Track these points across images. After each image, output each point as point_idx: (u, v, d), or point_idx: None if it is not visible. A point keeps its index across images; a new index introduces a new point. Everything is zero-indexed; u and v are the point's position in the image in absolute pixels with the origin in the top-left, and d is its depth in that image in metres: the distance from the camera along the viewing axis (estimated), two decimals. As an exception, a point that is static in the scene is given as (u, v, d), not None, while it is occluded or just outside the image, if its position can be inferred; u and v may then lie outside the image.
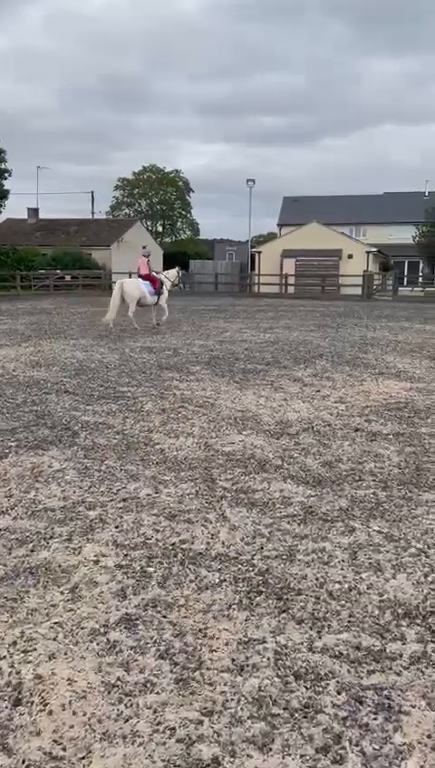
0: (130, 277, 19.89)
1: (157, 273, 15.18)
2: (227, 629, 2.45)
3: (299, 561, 3.06)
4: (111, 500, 3.86)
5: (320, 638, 2.41)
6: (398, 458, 4.73)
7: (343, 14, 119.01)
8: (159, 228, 62.56)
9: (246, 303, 25.13)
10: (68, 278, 31.65)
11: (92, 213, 48.01)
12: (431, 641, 2.39)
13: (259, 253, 36.30)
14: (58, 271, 31.97)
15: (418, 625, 2.49)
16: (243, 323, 15.93)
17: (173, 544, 3.24)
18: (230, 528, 3.46)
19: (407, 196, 50.93)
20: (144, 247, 15.79)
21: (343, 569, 2.99)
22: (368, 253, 35.65)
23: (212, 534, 3.37)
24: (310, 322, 16.32)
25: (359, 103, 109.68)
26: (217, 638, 2.39)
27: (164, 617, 2.55)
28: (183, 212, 62.86)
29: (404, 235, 44.98)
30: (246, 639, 2.38)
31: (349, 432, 5.50)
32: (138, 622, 2.51)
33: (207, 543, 3.25)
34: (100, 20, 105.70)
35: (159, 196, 61.21)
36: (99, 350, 10.58)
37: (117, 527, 3.45)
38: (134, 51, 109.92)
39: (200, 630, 2.44)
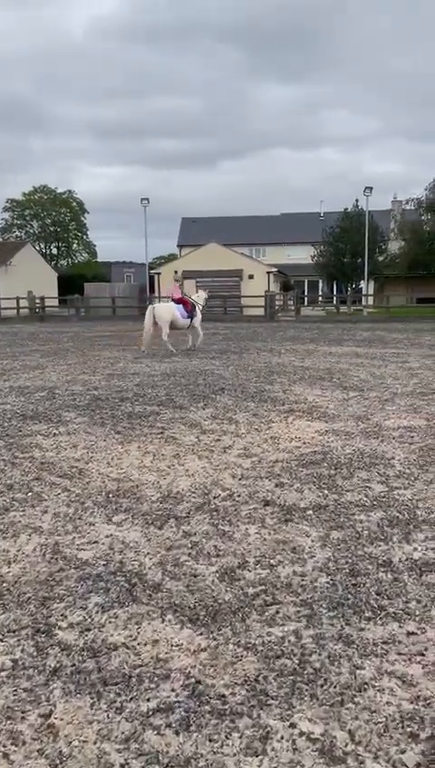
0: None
1: (189, 296, 14.98)
2: None
3: None
4: None
5: None
6: (324, 554, 3.40)
7: (236, 39, 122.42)
8: (54, 251, 59.82)
9: (145, 328, 23.63)
10: None
11: (-21, 235, 44.82)
12: None
13: (158, 274, 35.06)
14: None
15: None
16: (139, 352, 14.44)
17: None
18: (57, 762, 1.94)
19: (303, 216, 51.92)
20: (176, 272, 16.57)
21: None
22: (269, 273, 35.41)
23: (15, 788, 1.84)
24: (212, 347, 15.10)
25: (254, 127, 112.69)
26: None
27: None
28: (79, 233, 60.54)
29: (302, 254, 45.50)
30: None
31: (256, 508, 4.14)
32: None
33: None
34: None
35: (51, 218, 58.58)
36: None
37: None
38: (22, 72, 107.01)
39: None
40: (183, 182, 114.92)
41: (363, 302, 34.00)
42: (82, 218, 59.62)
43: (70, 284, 41.77)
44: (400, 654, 2.48)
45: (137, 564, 3.31)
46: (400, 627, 2.67)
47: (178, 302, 14.41)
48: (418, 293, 35.84)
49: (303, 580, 3.11)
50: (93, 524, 3.89)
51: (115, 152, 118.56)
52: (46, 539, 3.65)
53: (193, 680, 2.32)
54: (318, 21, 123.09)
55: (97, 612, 2.83)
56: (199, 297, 15.37)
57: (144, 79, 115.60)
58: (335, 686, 2.27)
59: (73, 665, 2.44)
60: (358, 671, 2.37)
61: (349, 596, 2.93)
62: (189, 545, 3.54)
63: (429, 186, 36.28)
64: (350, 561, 3.31)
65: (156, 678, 2.34)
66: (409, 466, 5.00)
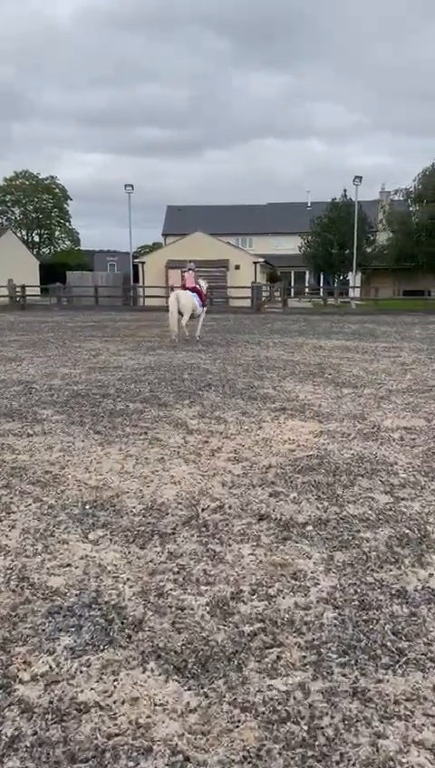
0: None
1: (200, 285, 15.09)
2: None
3: None
4: None
5: None
6: (329, 581, 2.99)
7: (223, 28, 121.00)
8: (36, 238, 58.58)
9: (129, 318, 23.13)
10: None
11: (-42, 221, 43.67)
12: None
13: (143, 263, 34.39)
14: None
15: None
16: (123, 343, 13.95)
17: None
18: None
19: (291, 206, 51.40)
20: (190, 262, 16.21)
21: None
22: (256, 263, 34.93)
23: None
24: (197, 340, 14.62)
25: (241, 117, 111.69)
26: None
27: None
28: (61, 221, 59.33)
29: (289, 245, 45.01)
30: None
31: (250, 522, 3.72)
32: None
33: None
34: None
35: (33, 204, 57.28)
36: None
37: None
38: (7, 58, 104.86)
39: None
40: (168, 171, 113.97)
41: (351, 294, 33.68)
42: (65, 205, 58.48)
43: (52, 273, 40.94)
44: (427, 716, 2.08)
45: (115, 594, 2.88)
46: (424, 677, 2.28)
47: (191, 291, 14.34)
48: (405, 286, 35.62)
49: (306, 614, 2.70)
50: (67, 543, 3.45)
51: (100, 140, 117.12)
52: (12, 561, 3.21)
53: (181, 756, 1.90)
54: (306, 11, 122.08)
55: (67, 659, 2.39)
56: (202, 287, 15.30)
57: (130, 67, 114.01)
58: (355, 764, 1.87)
59: (35, 733, 2.01)
60: (380, 741, 1.96)
61: (361, 636, 2.53)
62: (176, 569, 3.11)
63: (418, 177, 35.98)
64: (359, 590, 2.91)
65: (135, 753, 1.92)
66: (413, 473, 4.62)
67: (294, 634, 2.55)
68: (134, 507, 3.97)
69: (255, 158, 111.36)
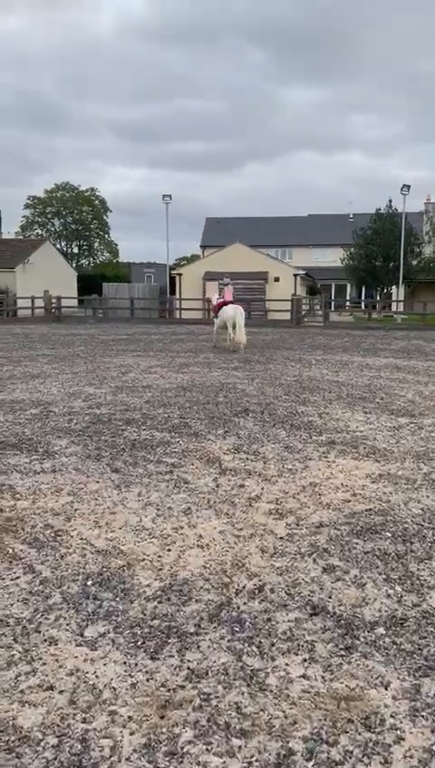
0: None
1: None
2: None
3: None
4: None
5: None
6: (417, 737, 2.04)
7: (262, 41, 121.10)
8: (75, 249, 58.85)
9: (164, 332, 22.45)
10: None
11: (-1, 233, 44.11)
12: None
13: (180, 275, 33.80)
14: None
15: None
16: (155, 359, 13.19)
17: None
18: None
19: (332, 218, 50.32)
20: (226, 276, 16.75)
21: None
22: (295, 276, 33.97)
23: None
24: (233, 355, 13.77)
25: (280, 130, 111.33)
26: None
27: None
28: (100, 232, 59.48)
29: (330, 257, 43.91)
30: None
31: (299, 618, 2.79)
32: None
33: None
34: (13, 39, 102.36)
35: (73, 216, 57.61)
36: None
37: None
38: (50, 72, 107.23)
39: None
40: (207, 185, 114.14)
41: (394, 308, 32.33)
42: (105, 217, 58.70)
43: (91, 284, 40.80)
44: None
45: (108, 747, 1.99)
46: None
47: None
48: (452, 300, 34.03)
49: (393, 809, 1.76)
50: (55, 644, 2.59)
51: (139, 154, 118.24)
52: (-24, 676, 2.36)
53: None
54: (345, 22, 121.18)
55: None
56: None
57: (169, 80, 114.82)
58: None
59: None
60: None
61: None
62: (198, 703, 2.21)
63: (466, 186, 34.45)
64: (467, 758, 1.95)
65: None
66: None
67: None
68: (149, 585, 3.09)
69: (295, 170, 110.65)
